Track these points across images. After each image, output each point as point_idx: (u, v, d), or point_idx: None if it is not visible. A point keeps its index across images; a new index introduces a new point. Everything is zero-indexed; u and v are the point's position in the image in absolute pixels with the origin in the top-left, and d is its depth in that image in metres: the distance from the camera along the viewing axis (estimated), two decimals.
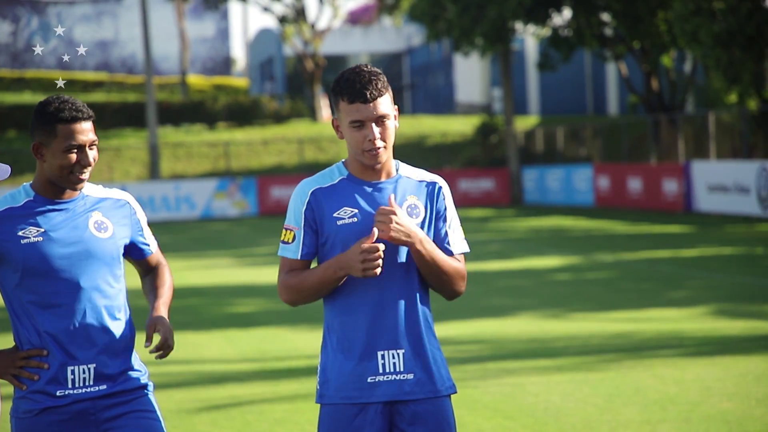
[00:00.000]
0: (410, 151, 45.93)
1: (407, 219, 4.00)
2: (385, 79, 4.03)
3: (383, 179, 4.08)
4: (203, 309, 14.47)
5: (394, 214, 3.96)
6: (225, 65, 72.98)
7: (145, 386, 4.26)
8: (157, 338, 4.34)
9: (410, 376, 4.02)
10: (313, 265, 4.14)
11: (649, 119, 37.30)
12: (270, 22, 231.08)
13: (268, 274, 18.50)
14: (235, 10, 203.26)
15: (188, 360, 10.73)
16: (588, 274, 17.23)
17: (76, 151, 4.13)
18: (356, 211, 4.03)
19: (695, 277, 16.08)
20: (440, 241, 4.11)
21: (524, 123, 49.20)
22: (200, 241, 27.25)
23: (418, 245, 3.98)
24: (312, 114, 52.49)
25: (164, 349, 4.23)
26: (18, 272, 4.13)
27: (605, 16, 38.10)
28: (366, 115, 3.98)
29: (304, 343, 11.52)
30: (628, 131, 39.87)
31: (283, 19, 53.55)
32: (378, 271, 3.95)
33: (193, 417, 8.43)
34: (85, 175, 4.17)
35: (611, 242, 22.89)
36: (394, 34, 65.88)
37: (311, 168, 44.48)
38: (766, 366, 9.49)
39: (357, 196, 4.05)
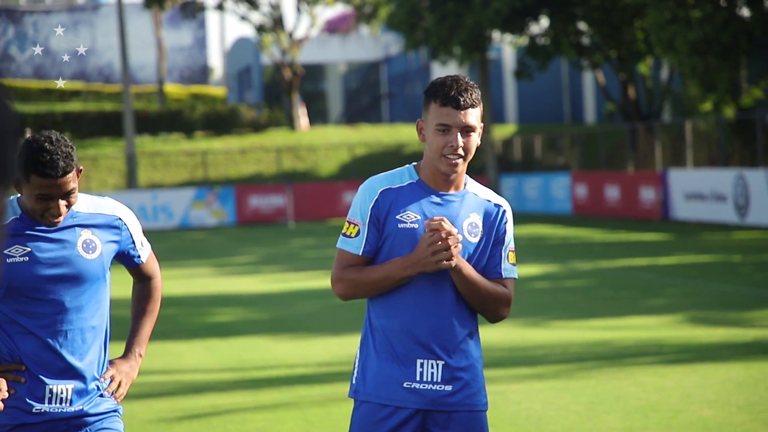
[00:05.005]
0: (389, 160, 45.95)
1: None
2: (480, 94, 4.03)
3: (451, 191, 4.05)
4: (182, 318, 14.42)
5: (453, 234, 3.95)
6: (202, 74, 72.84)
7: (116, 411, 4.27)
8: (113, 386, 4.30)
9: (447, 388, 4.01)
10: None
11: (626, 127, 37.44)
12: (247, 31, 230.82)
13: (247, 284, 18.47)
14: (212, 19, 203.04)
15: (168, 370, 10.69)
16: (566, 282, 17.26)
17: (47, 200, 4.04)
18: (419, 217, 4.01)
19: (673, 285, 16.13)
20: (493, 263, 4.10)
21: (502, 131, 49.31)
22: (178, 251, 27.16)
23: (459, 267, 3.98)
24: (290, 123, 52.45)
25: (117, 394, 4.24)
26: (2, 289, 4.08)
27: (582, 25, 38.24)
28: (455, 120, 3.96)
29: (285, 352, 11.49)
30: (606, 139, 40.00)
31: (260, 28, 53.52)
32: (454, 261, 3.94)
33: (174, 427, 8.40)
34: (59, 219, 4.08)
35: (589, 250, 22.95)
36: (372, 43, 65.91)
37: (289, 177, 44.44)
38: (746, 373, 9.52)
39: (423, 203, 4.03)
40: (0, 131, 1.48)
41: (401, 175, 4.06)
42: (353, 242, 4.03)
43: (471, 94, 3.97)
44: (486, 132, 41.98)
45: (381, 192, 4.02)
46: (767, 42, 31.37)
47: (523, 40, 39.98)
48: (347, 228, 4.05)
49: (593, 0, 36.31)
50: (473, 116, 3.98)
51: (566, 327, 12.53)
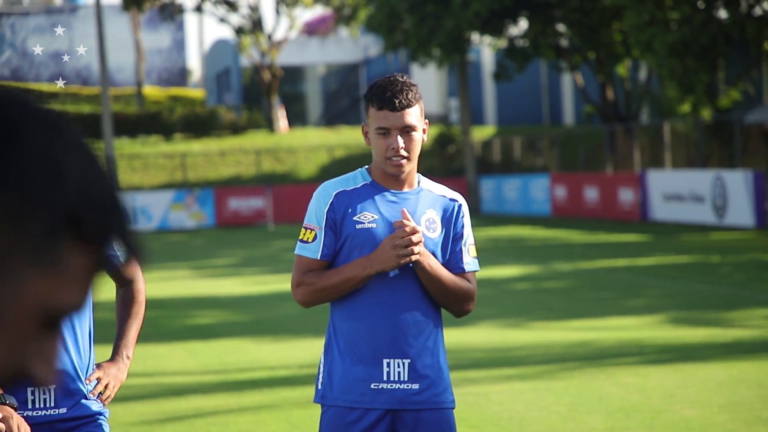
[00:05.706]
0: (368, 161, 45.79)
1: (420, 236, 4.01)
2: (418, 91, 4.03)
3: (405, 189, 4.08)
4: (163, 321, 14.38)
5: (417, 232, 3.96)
6: (181, 76, 72.68)
7: (102, 414, 4.22)
8: (99, 387, 4.28)
9: (414, 386, 4.01)
10: None
11: (604, 129, 37.55)
12: (226, 33, 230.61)
13: (227, 286, 18.44)
14: (191, 21, 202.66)
15: (150, 372, 10.67)
16: (547, 283, 17.30)
17: None
18: (377, 217, 4.03)
19: (653, 286, 16.19)
20: (455, 258, 4.11)
21: (481, 133, 49.39)
22: (157, 253, 27.10)
23: (423, 261, 3.99)
24: (269, 125, 52.38)
25: (104, 396, 4.20)
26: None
27: (561, 27, 38.34)
28: (392, 123, 3.98)
29: (267, 354, 11.48)
30: (584, 141, 40.11)
31: (239, 30, 53.44)
32: (415, 256, 3.95)
33: (156, 429, 8.38)
34: None
35: (569, 251, 23.01)
36: (351, 45, 65.92)
37: (269, 179, 44.37)
38: (727, 373, 9.57)
39: (379, 202, 4.05)
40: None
41: (354, 178, 4.09)
42: (310, 247, 4.04)
43: (407, 94, 3.98)
44: (465, 134, 42.03)
45: (335, 195, 4.04)
46: (745, 44, 31.52)
47: (502, 42, 40.05)
48: (304, 233, 4.06)
49: (572, 2, 36.42)
50: (412, 116, 3.99)
51: (547, 328, 12.56)
